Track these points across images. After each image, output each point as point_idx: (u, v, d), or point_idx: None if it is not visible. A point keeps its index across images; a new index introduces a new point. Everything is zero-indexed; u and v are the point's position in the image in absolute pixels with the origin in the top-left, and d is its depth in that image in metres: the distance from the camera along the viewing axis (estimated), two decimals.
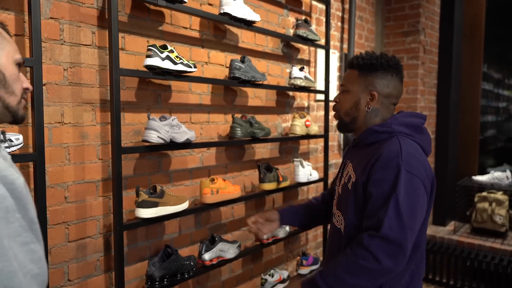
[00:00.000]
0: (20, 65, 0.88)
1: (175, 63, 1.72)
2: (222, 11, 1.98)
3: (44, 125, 1.49)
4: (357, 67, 1.31)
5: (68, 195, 1.59)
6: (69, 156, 1.58)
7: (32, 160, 1.36)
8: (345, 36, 3.30)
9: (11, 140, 1.26)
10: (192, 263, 1.87)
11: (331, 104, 3.15)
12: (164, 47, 1.70)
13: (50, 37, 1.51)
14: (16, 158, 1.30)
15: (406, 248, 1.12)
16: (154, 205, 1.68)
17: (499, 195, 3.72)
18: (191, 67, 1.79)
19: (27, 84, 0.91)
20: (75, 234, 1.62)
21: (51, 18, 1.51)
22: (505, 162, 5.12)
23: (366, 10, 3.57)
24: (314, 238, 3.05)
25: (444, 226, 4.02)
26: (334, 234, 1.37)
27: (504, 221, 3.65)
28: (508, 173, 3.93)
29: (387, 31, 3.90)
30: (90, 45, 1.63)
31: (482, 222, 3.72)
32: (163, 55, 1.68)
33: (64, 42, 1.55)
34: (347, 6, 3.27)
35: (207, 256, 1.95)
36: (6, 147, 1.25)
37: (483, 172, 4.36)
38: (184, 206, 1.81)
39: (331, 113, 3.15)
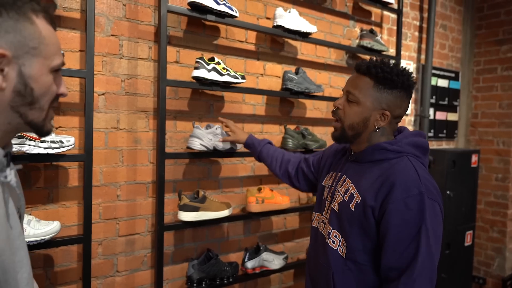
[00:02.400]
0: (59, 69, 0.70)
1: (221, 74, 1.66)
2: (275, 24, 1.87)
3: (101, 130, 1.55)
4: (373, 77, 1.06)
5: (120, 194, 1.62)
6: (123, 159, 1.62)
7: (81, 161, 1.41)
8: (423, 46, 2.89)
9: (61, 142, 1.32)
10: (233, 270, 1.76)
11: (407, 118, 2.80)
12: (211, 59, 1.65)
13: (110, 52, 1.57)
14: (67, 158, 1.37)
15: (434, 282, 0.98)
16: (195, 209, 1.63)
17: None
18: (238, 78, 1.71)
19: (63, 89, 0.71)
20: (125, 229, 1.64)
21: (112, 35, 1.57)
22: None
23: (452, 19, 3.09)
24: None
25: None
26: (330, 255, 1.10)
27: None
28: None
29: (478, 40, 3.32)
30: (146, 58, 1.66)
31: None
32: (209, 67, 1.63)
33: (123, 56, 1.60)
34: (426, 15, 2.87)
35: (249, 264, 1.83)
36: (56, 148, 1.30)
37: None
38: (226, 213, 1.72)
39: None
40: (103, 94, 1.56)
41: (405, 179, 0.99)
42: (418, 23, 2.85)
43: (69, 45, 1.47)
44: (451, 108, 3.15)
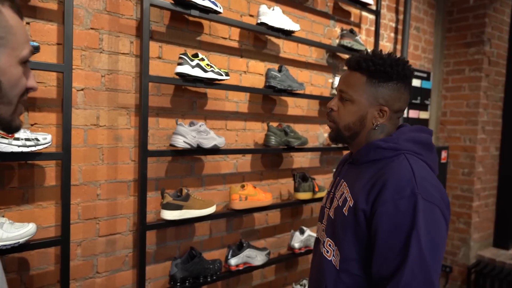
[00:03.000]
0: (27, 61, 0.63)
1: (205, 71, 1.59)
2: (259, 21, 1.82)
3: (80, 126, 1.46)
4: (365, 72, 0.95)
5: (100, 193, 1.53)
6: (103, 157, 1.53)
7: (58, 159, 1.31)
8: (398, 47, 2.92)
9: (37, 139, 1.22)
10: (216, 267, 1.71)
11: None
12: (195, 56, 1.58)
13: (90, 46, 1.47)
14: (43, 156, 1.27)
15: None
16: (178, 207, 1.56)
17: None
18: (222, 75, 1.65)
19: (32, 82, 0.64)
20: (106, 229, 1.56)
21: (91, 28, 1.47)
22: None
23: (424, 21, 3.14)
24: None
25: (506, 250, 3.37)
26: (323, 266, 0.98)
27: None
28: None
29: (448, 42, 3.40)
30: (128, 53, 1.57)
31: None
32: (193, 63, 1.56)
33: (103, 50, 1.51)
34: (401, 17, 2.90)
35: (233, 261, 1.78)
36: (32, 146, 1.20)
37: None
38: (210, 210, 1.67)
39: None
40: (82, 89, 1.46)
41: (397, 179, 0.85)
42: (394, 25, 2.88)
43: (46, 38, 1.36)
44: (423, 107, 3.22)
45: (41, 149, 1.24)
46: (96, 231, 1.54)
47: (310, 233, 2.12)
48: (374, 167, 0.93)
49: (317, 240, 1.09)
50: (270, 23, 1.81)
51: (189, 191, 1.63)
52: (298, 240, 2.07)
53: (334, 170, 1.22)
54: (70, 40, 1.29)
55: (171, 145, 1.56)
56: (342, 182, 1.02)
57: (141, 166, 1.48)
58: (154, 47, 1.62)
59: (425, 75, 3.18)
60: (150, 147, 1.62)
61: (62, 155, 1.30)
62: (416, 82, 3.07)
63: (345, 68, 1.09)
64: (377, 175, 0.90)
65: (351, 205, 0.92)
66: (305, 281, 2.15)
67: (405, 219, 0.81)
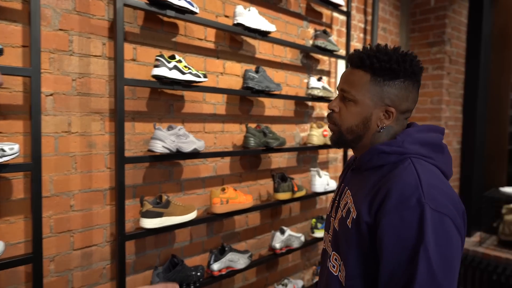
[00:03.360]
0: None
1: (183, 73, 1.52)
2: (235, 22, 1.77)
3: (50, 134, 1.35)
4: (369, 70, 0.85)
5: (74, 204, 1.43)
6: (76, 165, 1.42)
7: (28, 170, 1.20)
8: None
9: (3, 150, 1.10)
10: (199, 274, 1.65)
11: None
12: (172, 57, 1.51)
13: (59, 48, 1.36)
14: (10, 168, 1.15)
15: None
16: (159, 215, 1.48)
17: None
18: (200, 77, 1.58)
19: None
20: (81, 242, 1.45)
21: (60, 29, 1.36)
22: None
23: (390, 22, 3.22)
24: None
25: (469, 237, 3.54)
26: (330, 282, 0.90)
27: None
28: None
29: (412, 42, 3.51)
30: (100, 56, 1.46)
31: (510, 235, 3.22)
32: (171, 65, 1.48)
33: (73, 53, 1.40)
34: (369, 18, 2.95)
35: (215, 266, 1.73)
36: None
37: None
38: (191, 216, 1.60)
39: None
40: (51, 94, 1.35)
41: (401, 187, 0.75)
42: (363, 26, 2.92)
43: (9, 40, 1.24)
44: None
45: (8, 160, 1.13)
46: (71, 244, 1.43)
47: (290, 233, 2.11)
48: (378, 173, 0.84)
49: (324, 252, 1.00)
50: (247, 24, 1.77)
51: (169, 197, 1.55)
52: (279, 241, 2.05)
53: (340, 174, 1.13)
54: (37, 42, 1.18)
55: (149, 150, 1.48)
56: (346, 190, 0.93)
57: (118, 173, 1.39)
58: (128, 49, 1.53)
59: None
60: (127, 153, 1.53)
61: (32, 165, 1.19)
62: None
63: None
64: (381, 182, 0.81)
65: (354, 217, 0.83)
66: (286, 281, 2.14)
67: (411, 232, 0.72)
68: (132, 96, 1.57)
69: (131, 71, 1.55)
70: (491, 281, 2.96)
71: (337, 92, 0.94)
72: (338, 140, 0.93)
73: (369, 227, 0.79)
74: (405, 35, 3.47)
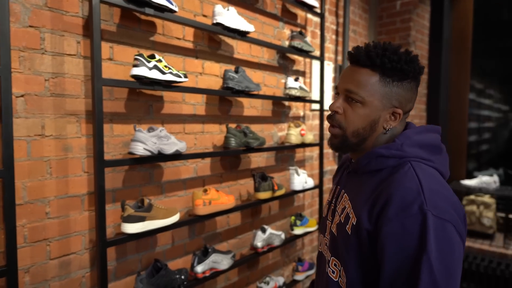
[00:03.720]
0: None
1: (163, 73, 1.47)
2: (215, 21, 1.73)
3: (22, 138, 1.24)
4: (378, 69, 0.80)
5: (50, 211, 1.33)
6: (51, 170, 1.33)
7: None
8: (339, 48, 3.02)
9: None
10: (183, 277, 1.60)
11: (326, 113, 2.90)
12: (152, 57, 1.44)
13: (29, 46, 1.26)
14: None
15: None
16: (141, 219, 1.42)
17: (487, 198, 3.43)
18: (181, 77, 1.53)
19: None
20: (58, 251, 1.36)
21: (30, 26, 1.26)
22: (492, 167, 4.78)
23: (359, 24, 3.29)
24: (310, 242, 2.77)
25: None
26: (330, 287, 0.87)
27: (492, 224, 3.35)
28: (495, 177, 3.61)
29: None
30: (74, 55, 1.38)
31: (470, 224, 3.41)
32: (151, 65, 1.42)
33: (46, 51, 1.30)
34: (341, 20, 3.00)
35: (199, 268, 1.68)
36: None
37: (471, 176, 4.04)
38: (174, 219, 1.55)
39: (326, 122, 2.89)
40: (22, 95, 1.25)
41: (402, 193, 0.72)
42: (334, 27, 2.97)
43: None
44: None
45: None
46: (47, 253, 1.33)
47: (271, 231, 2.10)
48: (377, 177, 0.80)
49: (321, 255, 0.96)
50: (226, 24, 1.74)
51: (151, 201, 1.49)
52: (260, 239, 2.03)
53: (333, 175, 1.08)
54: (7, 38, 1.08)
55: (130, 153, 1.41)
56: (343, 194, 0.89)
57: (98, 178, 1.31)
58: (104, 48, 1.45)
59: None
60: (105, 156, 1.45)
61: (4, 172, 1.09)
62: None
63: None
64: (380, 187, 0.77)
65: (354, 223, 0.79)
66: (268, 279, 2.13)
67: (413, 240, 0.68)
68: (110, 97, 1.49)
69: (108, 70, 1.47)
70: None
71: (332, 92, 0.90)
72: (341, 145, 0.86)
73: (369, 234, 0.75)
74: (373, 37, 3.57)
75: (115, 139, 1.51)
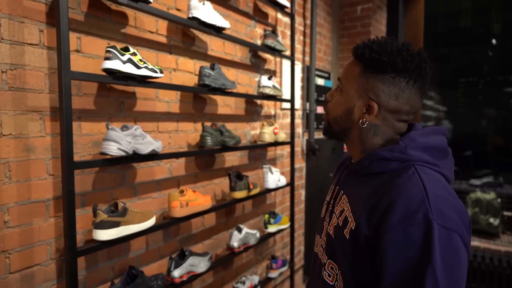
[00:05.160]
0: None
1: (138, 67, 1.33)
2: (190, 15, 1.61)
3: None
4: (361, 60, 0.77)
5: (9, 219, 1.15)
6: (10, 174, 1.15)
7: None
8: (307, 49, 3.01)
9: None
10: (160, 283, 1.48)
11: (297, 113, 2.88)
12: (126, 49, 1.30)
13: None
14: None
15: None
16: (115, 225, 1.28)
17: (493, 197, 3.30)
18: (156, 72, 1.40)
19: None
20: (19, 263, 1.18)
21: None
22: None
23: (324, 27, 3.32)
24: (281, 239, 2.73)
25: None
26: None
27: (498, 223, 3.22)
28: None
29: (342, 46, 3.68)
30: (37, 44, 1.20)
31: (476, 223, 3.27)
32: (124, 58, 1.28)
33: (2, 39, 1.12)
34: (308, 21, 2.99)
35: (176, 273, 1.57)
36: None
37: None
38: (151, 223, 1.42)
39: (296, 121, 2.87)
40: None
41: (406, 200, 0.66)
42: (302, 29, 2.95)
43: None
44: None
45: None
46: (6, 267, 1.15)
47: (247, 231, 2.03)
48: (378, 180, 0.74)
49: (316, 257, 0.90)
50: (202, 18, 1.63)
51: (125, 204, 1.35)
52: (236, 239, 1.95)
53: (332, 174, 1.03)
54: None
55: (102, 153, 1.26)
56: (342, 195, 0.83)
57: (67, 181, 1.15)
58: (71, 38, 1.28)
59: (327, 74, 3.37)
60: (75, 157, 1.29)
61: None
62: (320, 81, 3.23)
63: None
64: (381, 191, 0.71)
65: (353, 228, 0.73)
66: (244, 278, 2.05)
67: (417, 251, 0.63)
68: (78, 93, 1.32)
69: (75, 63, 1.30)
70: None
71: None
72: (326, 130, 0.86)
73: (368, 241, 0.69)
74: (336, 39, 3.62)
75: (83, 138, 1.35)
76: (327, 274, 0.81)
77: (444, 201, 0.67)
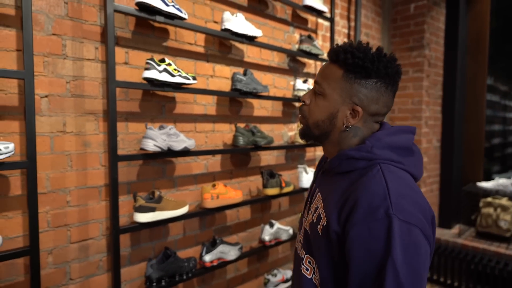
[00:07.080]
0: None
1: (173, 76, 1.51)
2: (223, 27, 1.76)
3: (46, 134, 1.33)
4: (343, 65, 0.78)
5: (70, 199, 1.41)
6: (71, 163, 1.41)
7: (23, 167, 1.18)
8: None
9: None
10: (191, 265, 1.64)
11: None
12: (162, 61, 1.50)
13: (53, 52, 1.35)
14: (6, 165, 1.14)
15: None
16: (151, 210, 1.47)
17: (504, 201, 3.23)
18: (189, 79, 1.58)
19: None
20: (77, 235, 1.44)
21: (53, 34, 1.35)
22: (511, 169, 4.51)
23: (373, 28, 3.23)
24: None
25: (449, 229, 3.54)
26: (304, 285, 0.82)
27: (509, 226, 3.15)
28: None
29: (394, 46, 3.52)
30: (93, 59, 1.45)
31: (486, 227, 3.22)
32: (161, 68, 1.47)
33: (67, 56, 1.39)
34: (352, 24, 2.95)
35: (207, 257, 1.72)
36: None
37: (489, 178, 3.83)
38: (183, 211, 1.59)
39: None
40: (46, 96, 1.34)
41: (369, 197, 0.69)
42: (346, 31, 2.92)
43: (3, 44, 1.22)
44: None
45: (4, 158, 1.11)
46: (68, 238, 1.41)
47: (279, 226, 2.10)
48: (348, 178, 0.77)
49: (296, 252, 0.92)
50: (234, 29, 1.77)
51: (161, 193, 1.54)
52: (268, 233, 2.04)
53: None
54: (30, 46, 1.16)
55: (142, 149, 1.47)
56: (317, 193, 0.86)
57: (112, 171, 1.37)
58: (120, 53, 1.52)
59: None
60: (121, 152, 1.52)
61: (27, 163, 1.17)
62: None
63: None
64: (350, 189, 0.74)
65: (325, 225, 0.76)
66: (276, 271, 2.13)
67: (379, 244, 0.66)
68: (125, 98, 1.56)
69: (123, 73, 1.54)
70: (469, 270, 2.96)
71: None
72: (304, 133, 0.86)
73: (338, 236, 0.72)
74: (387, 40, 3.48)
75: (130, 136, 1.57)
76: (305, 268, 0.84)
77: (405, 198, 0.69)
